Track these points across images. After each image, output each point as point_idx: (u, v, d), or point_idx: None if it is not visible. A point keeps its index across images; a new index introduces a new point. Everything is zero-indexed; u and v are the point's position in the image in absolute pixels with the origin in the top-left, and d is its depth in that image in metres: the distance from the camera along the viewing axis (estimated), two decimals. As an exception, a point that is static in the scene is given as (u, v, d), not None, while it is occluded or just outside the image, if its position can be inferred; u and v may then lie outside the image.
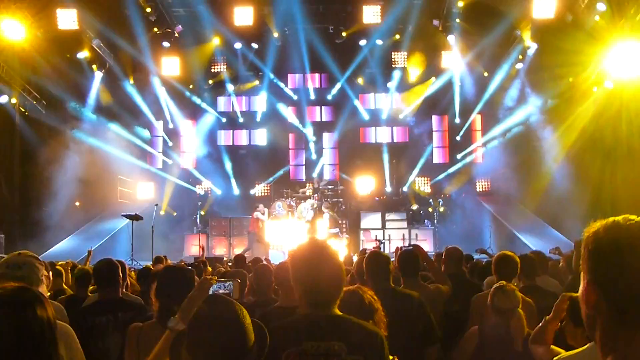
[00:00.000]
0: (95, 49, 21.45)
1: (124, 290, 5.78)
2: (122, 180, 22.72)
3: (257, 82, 24.75)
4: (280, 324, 2.92)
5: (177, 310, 3.07)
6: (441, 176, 24.38)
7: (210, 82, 24.62)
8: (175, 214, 22.82)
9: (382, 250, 15.70)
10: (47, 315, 2.04)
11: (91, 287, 6.10)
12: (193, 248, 20.82)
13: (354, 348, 2.72)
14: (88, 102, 22.57)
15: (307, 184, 23.73)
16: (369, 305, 3.49)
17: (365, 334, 2.82)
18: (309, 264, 2.87)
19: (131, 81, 23.36)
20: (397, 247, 7.58)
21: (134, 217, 18.03)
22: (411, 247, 5.81)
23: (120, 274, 5.01)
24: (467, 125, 24.96)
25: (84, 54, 21.37)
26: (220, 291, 3.25)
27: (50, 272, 3.62)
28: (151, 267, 8.73)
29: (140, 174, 23.89)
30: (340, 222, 20.33)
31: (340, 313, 2.89)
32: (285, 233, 19.41)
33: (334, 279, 2.87)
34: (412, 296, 4.58)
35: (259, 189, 24.57)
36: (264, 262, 6.99)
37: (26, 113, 20.34)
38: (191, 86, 24.57)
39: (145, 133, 24.61)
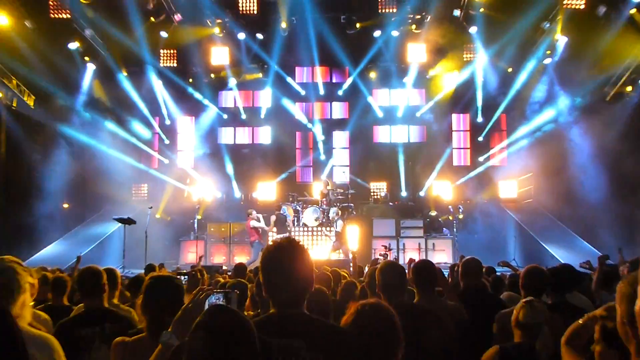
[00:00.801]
0: (87, 40, 21.54)
1: (115, 300, 5.75)
2: (115, 180, 22.77)
3: (260, 75, 24.75)
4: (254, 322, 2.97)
5: (169, 323, 3.03)
6: (461, 180, 24.29)
7: (212, 75, 24.64)
8: (169, 219, 22.84)
9: (389, 257, 15.69)
10: (7, 329, 2.00)
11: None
12: (190, 255, 20.81)
13: (314, 345, 2.82)
14: (79, 96, 22.66)
15: (315, 188, 23.66)
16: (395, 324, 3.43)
17: (329, 332, 2.93)
18: (275, 262, 2.95)
19: (125, 74, 23.42)
20: (411, 259, 7.53)
21: (127, 221, 18.05)
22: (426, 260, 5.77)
23: (106, 282, 4.98)
24: (490, 124, 24.87)
25: (75, 45, 21.46)
26: (217, 302, 3.21)
27: (37, 280, 3.59)
28: (143, 276, 8.70)
29: (134, 174, 23.94)
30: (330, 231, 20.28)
31: (307, 312, 2.97)
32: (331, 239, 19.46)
33: (300, 277, 2.93)
34: (431, 313, 4.53)
35: (262, 192, 24.56)
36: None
37: (13, 107, 20.42)
38: (190, 80, 24.62)
39: (143, 132, 24.64)
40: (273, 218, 19.60)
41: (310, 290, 3.00)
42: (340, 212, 19.99)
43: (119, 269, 15.24)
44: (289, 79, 25.07)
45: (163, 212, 22.83)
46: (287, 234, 19.19)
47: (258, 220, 19.47)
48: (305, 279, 2.97)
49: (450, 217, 21.59)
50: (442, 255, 20.54)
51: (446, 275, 9.13)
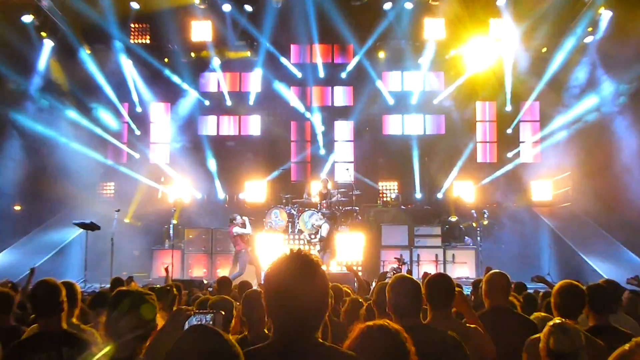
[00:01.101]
0: (44, 12, 21.49)
1: (75, 320, 5.74)
2: (76, 178, 22.74)
3: (249, 54, 24.73)
4: (248, 351, 2.91)
5: (140, 348, 3.03)
6: (487, 180, 24.29)
7: (192, 54, 24.63)
8: (140, 224, 22.83)
9: (402, 271, 15.66)
10: None
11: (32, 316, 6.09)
12: (163, 266, 20.77)
13: None
14: (34, 78, 22.62)
15: (313, 188, 23.67)
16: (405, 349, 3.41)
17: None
18: (283, 283, 2.88)
19: (89, 52, 23.39)
20: (425, 273, 7.51)
21: (90, 226, 18.03)
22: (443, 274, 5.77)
23: (65, 300, 4.97)
24: (521, 114, 24.89)
25: (29, 18, 21.42)
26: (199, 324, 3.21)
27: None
28: (108, 292, 8.69)
29: (99, 170, 23.91)
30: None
31: (321, 340, 2.92)
32: (284, 249, 19.35)
33: (314, 300, 2.88)
34: (448, 336, 4.52)
35: (250, 192, 24.54)
36: (256, 288, 6.91)
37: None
38: (166, 59, 24.61)
39: (110, 121, 24.61)
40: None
41: (325, 315, 2.93)
42: (324, 216, 19.93)
43: (79, 283, 15.15)
44: (282, 59, 25.06)
45: (133, 216, 22.81)
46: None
47: (243, 225, 19.42)
48: (320, 302, 2.92)
49: (474, 224, 21.59)
50: (464, 269, 20.53)
51: (468, 293, 9.14)
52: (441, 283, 5.44)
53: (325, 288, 2.95)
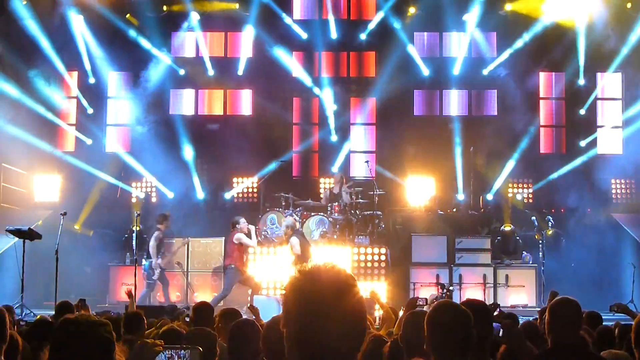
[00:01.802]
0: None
1: (1, 356, 5.80)
2: (8, 171, 22.80)
3: (237, 6, 24.71)
4: None
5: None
6: (552, 176, 24.25)
7: (164, 8, 24.65)
8: (91, 233, 22.89)
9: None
10: None
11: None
12: (125, 289, 20.83)
13: None
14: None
15: (323, 186, 23.75)
16: None
17: None
18: (309, 310, 2.90)
19: (26, 2, 23.39)
20: (469, 300, 7.54)
21: (27, 235, 18.08)
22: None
23: (3, 330, 5.03)
24: (597, 90, 24.84)
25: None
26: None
27: None
28: (49, 319, 8.76)
29: (38, 160, 23.93)
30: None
31: None
32: (283, 266, 19.41)
33: (350, 333, 2.92)
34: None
35: (239, 191, 24.58)
36: (245, 317, 6.95)
37: None
38: (128, 14, 24.64)
39: (54, 95, 24.63)
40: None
41: (360, 348, 2.97)
42: (295, 223, 19.83)
43: (15, 307, 15.21)
44: (283, 15, 25.11)
45: (85, 222, 22.88)
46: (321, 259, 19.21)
47: (249, 234, 19.58)
48: (358, 326, 2.96)
49: (537, 236, 21.56)
50: (521, 295, 20.57)
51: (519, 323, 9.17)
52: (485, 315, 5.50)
53: (363, 310, 2.99)
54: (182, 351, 3.33)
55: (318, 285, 2.93)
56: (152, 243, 20.19)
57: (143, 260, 20.25)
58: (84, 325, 3.86)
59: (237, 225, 19.47)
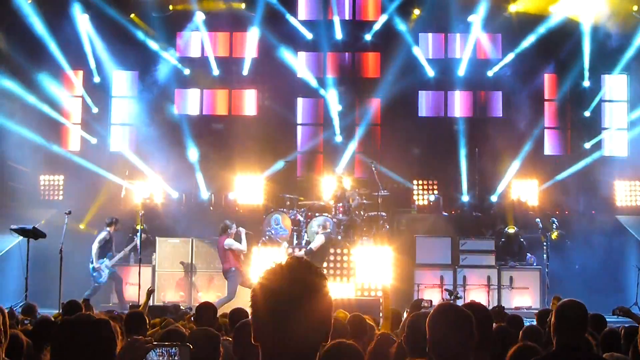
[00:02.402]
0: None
1: (3, 355, 5.80)
2: (12, 169, 22.81)
3: (243, 5, 24.70)
4: None
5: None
6: (557, 177, 24.22)
7: (170, 7, 24.65)
8: (96, 233, 22.89)
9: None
10: None
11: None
12: (129, 288, 20.85)
13: None
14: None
15: (326, 186, 23.72)
16: None
17: None
18: (280, 298, 2.95)
19: (30, 0, 23.41)
20: (473, 302, 7.51)
21: (31, 233, 18.08)
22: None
23: (2, 328, 5.02)
24: (602, 91, 24.82)
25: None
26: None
27: None
28: (52, 319, 8.76)
29: (43, 159, 23.94)
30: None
31: None
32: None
33: (316, 324, 2.96)
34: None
35: (243, 191, 24.59)
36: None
37: None
38: (132, 14, 24.67)
39: (59, 94, 24.62)
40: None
41: (323, 343, 3.01)
42: (325, 225, 19.93)
43: (17, 308, 15.24)
44: (288, 16, 25.12)
45: (90, 222, 22.88)
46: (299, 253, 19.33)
47: (238, 238, 19.48)
48: (322, 327, 3.00)
49: (543, 238, 21.52)
50: (524, 297, 20.55)
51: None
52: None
53: (330, 310, 3.03)
54: (172, 349, 3.30)
55: (280, 282, 2.96)
56: (95, 245, 20.18)
57: (90, 264, 20.28)
58: (84, 325, 3.85)
59: (228, 230, 19.35)
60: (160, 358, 3.28)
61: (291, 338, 2.92)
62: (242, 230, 19.49)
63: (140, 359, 3.19)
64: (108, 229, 20.53)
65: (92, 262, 20.10)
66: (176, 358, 3.30)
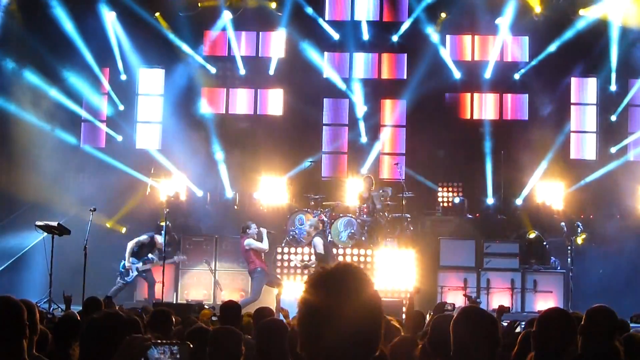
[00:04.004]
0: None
1: (34, 351, 5.82)
2: (38, 166, 22.91)
3: (274, 4, 24.68)
4: None
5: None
6: (582, 182, 24.11)
7: (199, 5, 24.71)
8: (124, 230, 22.98)
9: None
10: None
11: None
12: (154, 287, 20.90)
13: None
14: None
15: (351, 187, 23.68)
16: None
17: None
18: (320, 309, 2.93)
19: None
20: (501, 306, 7.49)
21: (57, 230, 18.16)
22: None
23: (28, 323, 5.03)
24: (630, 95, 24.68)
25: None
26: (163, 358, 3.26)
27: None
28: (77, 316, 8.77)
29: (68, 156, 24.03)
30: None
31: None
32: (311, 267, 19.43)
33: (367, 331, 2.95)
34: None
35: (267, 191, 24.60)
36: (274, 316, 6.94)
37: None
38: (158, 12, 24.77)
39: (85, 91, 24.70)
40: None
41: (377, 348, 2.98)
42: (319, 223, 19.81)
43: (42, 304, 15.24)
44: (315, 16, 25.13)
45: (119, 220, 22.97)
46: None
47: (259, 238, 19.50)
48: (374, 334, 2.98)
49: (567, 242, 21.42)
50: (548, 301, 20.41)
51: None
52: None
53: (381, 314, 3.01)
54: (174, 347, 3.29)
55: (325, 288, 2.95)
56: (131, 244, 20.22)
57: (122, 261, 20.35)
58: (117, 318, 3.86)
59: (247, 231, 19.40)
60: (162, 356, 3.27)
61: (334, 349, 2.90)
62: (264, 230, 19.52)
63: (139, 356, 3.18)
64: (153, 234, 20.59)
65: (124, 260, 20.18)
66: (177, 356, 3.29)
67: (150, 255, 20.52)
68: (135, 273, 20.19)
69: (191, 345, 3.38)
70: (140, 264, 20.24)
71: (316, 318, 2.92)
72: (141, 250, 20.41)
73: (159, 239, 20.50)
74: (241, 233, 19.57)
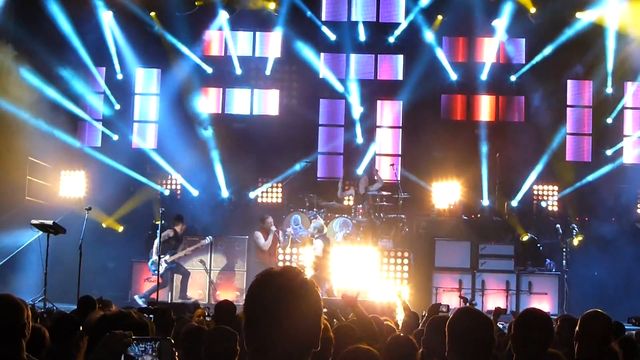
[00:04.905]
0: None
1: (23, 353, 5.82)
2: (34, 164, 22.90)
3: (273, 5, 24.65)
4: None
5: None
6: (578, 185, 24.12)
7: (196, 3, 24.71)
8: (121, 229, 22.96)
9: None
10: None
11: None
12: (147, 286, 20.90)
13: None
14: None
15: (347, 187, 23.71)
16: None
17: None
18: (263, 303, 3.04)
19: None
20: (498, 308, 7.49)
21: (52, 228, 18.14)
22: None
23: (27, 322, 5.04)
24: (624, 98, 24.72)
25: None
26: (143, 355, 3.27)
27: None
28: (71, 316, 8.77)
29: (64, 154, 24.01)
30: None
31: None
32: (306, 267, 19.46)
33: (301, 329, 3.03)
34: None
35: (263, 191, 24.60)
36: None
37: None
38: (152, 13, 24.76)
39: (80, 89, 24.69)
40: None
41: (314, 349, 3.08)
42: (323, 227, 19.86)
43: (37, 303, 15.19)
44: (312, 17, 25.13)
45: (117, 220, 22.96)
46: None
47: (267, 233, 19.73)
48: (309, 333, 3.07)
49: (562, 244, 21.44)
50: (543, 303, 20.43)
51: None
52: (529, 326, 5.48)
53: (317, 316, 3.10)
54: (156, 343, 3.30)
55: (268, 289, 3.06)
56: (157, 240, 20.27)
57: (150, 257, 20.44)
58: (127, 322, 3.87)
59: (264, 222, 19.75)
60: (142, 352, 3.28)
61: (277, 344, 3.00)
62: (273, 230, 19.78)
63: (119, 353, 3.20)
64: (174, 226, 20.63)
65: (151, 256, 20.25)
66: (159, 352, 3.29)
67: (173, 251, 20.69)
68: (165, 266, 20.25)
69: (172, 342, 3.39)
70: (168, 256, 20.28)
71: (257, 315, 3.04)
72: (167, 243, 20.45)
73: (178, 229, 20.69)
74: (260, 225, 20.25)
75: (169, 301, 19.72)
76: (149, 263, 20.24)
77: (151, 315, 7.61)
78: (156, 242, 20.02)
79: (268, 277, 3.07)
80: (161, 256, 19.73)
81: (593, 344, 6.18)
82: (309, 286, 3.08)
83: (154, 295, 19.55)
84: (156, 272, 19.75)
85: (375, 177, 22.21)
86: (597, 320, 6.25)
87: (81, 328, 6.41)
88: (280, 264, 20.23)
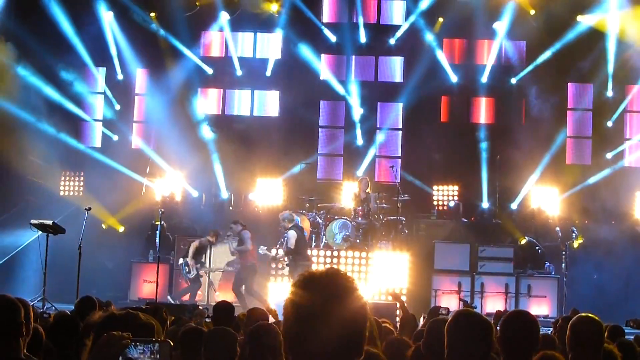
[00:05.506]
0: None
1: (24, 351, 5.82)
2: (34, 164, 22.88)
3: (276, 6, 24.62)
4: None
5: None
6: (578, 187, 24.11)
7: (197, 3, 24.70)
8: (122, 229, 22.95)
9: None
10: None
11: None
12: (147, 286, 20.89)
13: None
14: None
15: (346, 189, 23.71)
16: None
17: None
18: (306, 315, 2.97)
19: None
20: (498, 311, 7.48)
21: (51, 228, 18.13)
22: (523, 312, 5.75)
23: (24, 321, 5.04)
24: (625, 102, 24.72)
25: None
26: (142, 357, 3.26)
27: None
28: (70, 316, 8.76)
29: (63, 155, 24.00)
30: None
31: None
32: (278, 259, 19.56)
33: (344, 341, 2.97)
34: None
35: (263, 192, 24.60)
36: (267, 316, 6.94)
37: None
38: (153, 12, 24.78)
39: (81, 89, 24.67)
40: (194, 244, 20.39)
41: (361, 353, 3.01)
42: (292, 215, 19.75)
43: (36, 303, 15.19)
44: (313, 18, 25.13)
45: (119, 220, 22.96)
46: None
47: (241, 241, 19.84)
48: (358, 338, 3.01)
49: (562, 247, 21.42)
50: (542, 306, 20.46)
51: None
52: (522, 328, 5.46)
53: (366, 318, 3.04)
54: (155, 345, 3.28)
55: (311, 291, 2.99)
56: (194, 244, 20.37)
57: (180, 259, 20.71)
58: (134, 322, 3.87)
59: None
60: (141, 354, 3.26)
61: (319, 352, 2.94)
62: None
63: (116, 355, 3.18)
64: (210, 238, 20.74)
65: (185, 257, 20.49)
66: (157, 355, 3.28)
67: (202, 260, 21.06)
68: (195, 271, 20.48)
69: (172, 344, 3.38)
70: (198, 265, 20.64)
71: (302, 320, 2.96)
72: (200, 252, 20.79)
73: (213, 240, 20.97)
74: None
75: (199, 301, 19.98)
76: (182, 264, 20.59)
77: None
78: (194, 246, 20.23)
79: (319, 278, 3.02)
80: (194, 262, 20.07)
81: (585, 349, 6.16)
82: (357, 289, 3.02)
83: (153, 296, 19.56)
84: (188, 273, 20.02)
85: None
86: (588, 324, 6.22)
87: (82, 328, 6.41)
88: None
